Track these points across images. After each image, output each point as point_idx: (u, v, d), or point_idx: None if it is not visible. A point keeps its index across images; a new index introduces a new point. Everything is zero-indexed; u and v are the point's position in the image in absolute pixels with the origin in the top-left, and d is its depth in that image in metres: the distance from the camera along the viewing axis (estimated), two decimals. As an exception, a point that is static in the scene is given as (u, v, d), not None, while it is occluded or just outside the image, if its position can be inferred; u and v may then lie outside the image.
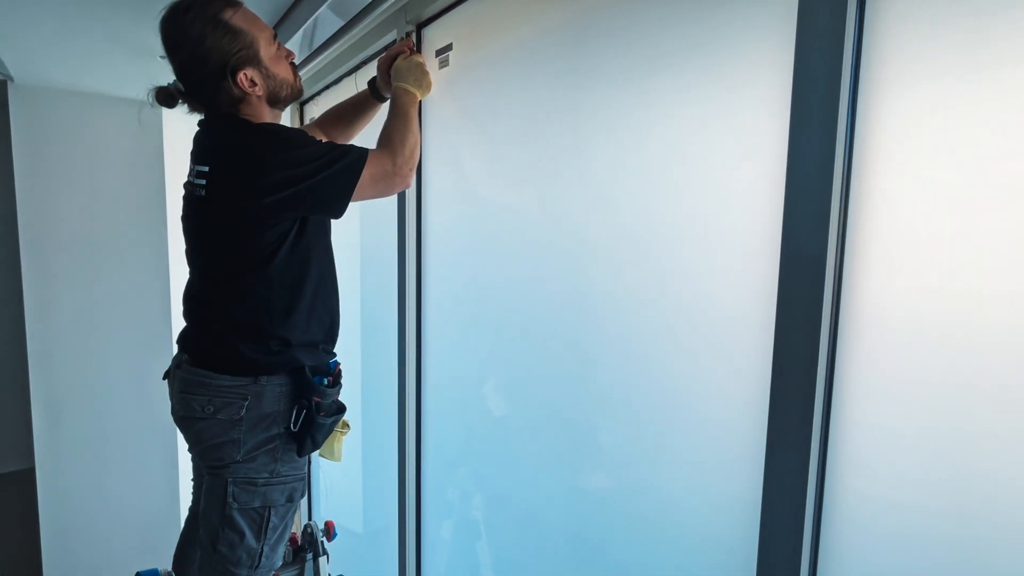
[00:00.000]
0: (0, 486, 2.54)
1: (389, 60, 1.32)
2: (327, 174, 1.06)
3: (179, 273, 2.52)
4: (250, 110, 1.13)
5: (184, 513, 2.62)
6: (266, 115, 1.16)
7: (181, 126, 2.50)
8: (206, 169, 1.09)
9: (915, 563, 0.63)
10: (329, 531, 1.60)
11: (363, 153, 1.11)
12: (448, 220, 1.38)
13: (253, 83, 1.10)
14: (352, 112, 1.44)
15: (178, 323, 2.45)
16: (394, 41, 1.47)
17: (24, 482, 2.46)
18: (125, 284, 2.48)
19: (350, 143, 1.12)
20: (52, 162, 2.31)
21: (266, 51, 1.11)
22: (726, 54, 0.77)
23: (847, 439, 0.68)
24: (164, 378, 1.27)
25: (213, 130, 1.16)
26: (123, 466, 2.53)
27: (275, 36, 1.15)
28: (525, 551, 1.20)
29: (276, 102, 1.16)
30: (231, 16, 1.06)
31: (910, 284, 0.62)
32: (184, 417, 1.16)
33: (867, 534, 0.67)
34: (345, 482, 2.12)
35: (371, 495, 1.93)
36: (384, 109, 1.42)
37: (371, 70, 1.64)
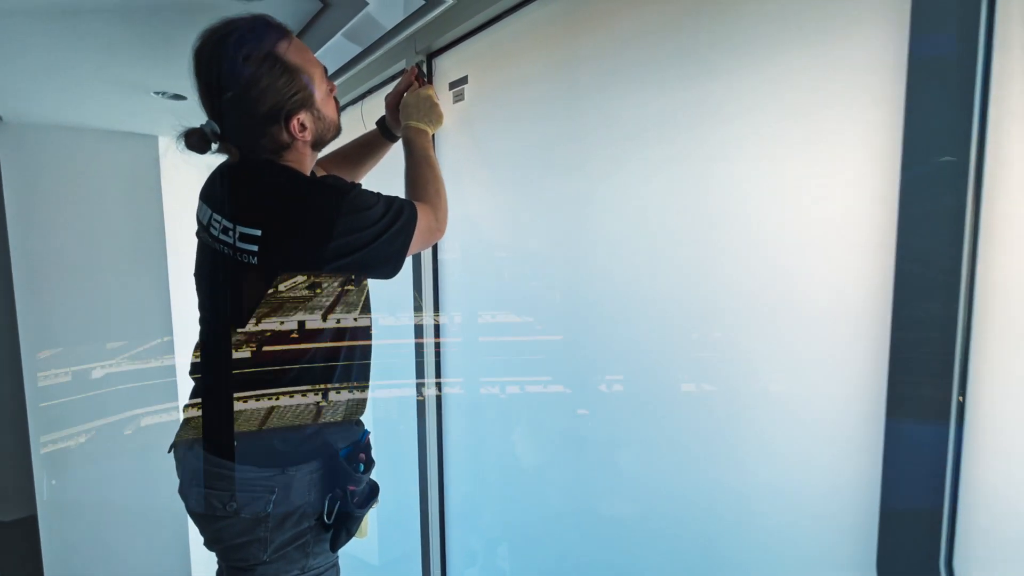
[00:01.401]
0: (1, 535, 2.45)
1: (397, 96, 1.24)
2: (387, 236, 0.97)
3: (180, 310, 2.44)
4: (294, 156, 1.01)
5: (194, 566, 2.54)
6: (307, 161, 1.04)
7: (179, 159, 2.42)
8: (258, 233, 0.94)
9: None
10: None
11: (415, 209, 1.01)
12: (470, 255, 1.30)
13: (303, 127, 0.98)
14: (360, 152, 1.34)
15: (181, 368, 2.35)
16: (403, 71, 1.40)
17: (26, 531, 2.37)
18: (125, 326, 2.40)
19: (396, 196, 1.03)
20: (45, 201, 2.23)
21: (319, 91, 0.99)
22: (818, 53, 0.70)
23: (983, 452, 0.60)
24: (169, 451, 1.14)
25: (258, 183, 0.99)
26: (129, 515, 2.45)
27: (326, 71, 1.03)
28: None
29: (319, 145, 1.05)
30: (286, 50, 0.93)
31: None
32: (202, 515, 1.04)
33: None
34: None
35: (385, 521, 1.83)
36: (393, 148, 1.35)
37: (377, 100, 1.57)
